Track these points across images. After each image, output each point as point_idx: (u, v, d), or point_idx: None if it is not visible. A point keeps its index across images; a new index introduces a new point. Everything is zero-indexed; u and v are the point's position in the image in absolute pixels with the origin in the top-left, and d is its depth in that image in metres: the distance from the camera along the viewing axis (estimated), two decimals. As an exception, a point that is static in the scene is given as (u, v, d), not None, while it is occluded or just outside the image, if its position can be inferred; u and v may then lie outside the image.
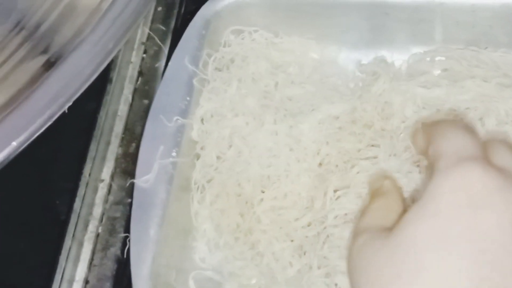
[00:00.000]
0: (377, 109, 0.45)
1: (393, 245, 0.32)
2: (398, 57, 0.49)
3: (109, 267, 0.44)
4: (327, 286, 0.42)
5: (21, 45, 0.46)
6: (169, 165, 0.44)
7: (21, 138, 0.38)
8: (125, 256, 0.44)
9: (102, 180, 0.47)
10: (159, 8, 0.53)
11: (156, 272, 0.41)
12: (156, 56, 0.51)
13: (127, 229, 0.44)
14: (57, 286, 0.44)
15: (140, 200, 0.43)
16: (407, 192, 0.42)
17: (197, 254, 0.45)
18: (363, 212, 0.37)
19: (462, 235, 0.31)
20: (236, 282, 0.44)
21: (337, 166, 0.44)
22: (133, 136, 0.48)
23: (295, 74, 0.49)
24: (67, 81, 0.44)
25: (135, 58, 0.51)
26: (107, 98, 0.49)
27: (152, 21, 0.53)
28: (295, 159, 0.45)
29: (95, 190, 0.47)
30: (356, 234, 0.35)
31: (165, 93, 0.46)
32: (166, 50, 0.51)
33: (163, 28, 0.52)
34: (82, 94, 0.42)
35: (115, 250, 0.45)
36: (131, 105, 0.49)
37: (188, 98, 0.46)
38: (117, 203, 0.46)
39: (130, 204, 0.44)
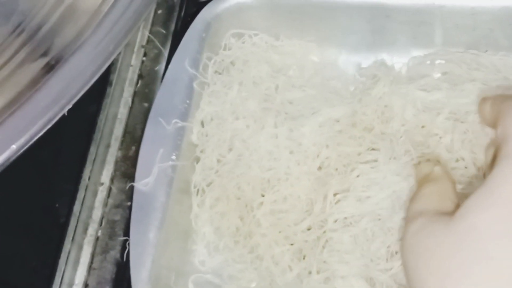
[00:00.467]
0: (377, 112, 0.45)
1: (456, 232, 0.32)
2: (398, 60, 0.49)
3: (109, 270, 0.44)
4: (326, 291, 0.42)
5: (21, 47, 0.46)
6: (168, 168, 0.44)
7: (21, 140, 0.38)
8: (124, 260, 0.44)
9: (102, 183, 0.47)
10: (159, 11, 0.53)
11: (155, 275, 0.41)
12: (156, 59, 0.51)
13: (126, 233, 0.44)
14: (57, 289, 0.43)
15: (140, 203, 0.43)
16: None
17: (197, 257, 0.45)
18: (413, 198, 0.37)
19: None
20: (236, 285, 0.44)
21: (337, 169, 0.44)
22: (133, 139, 0.48)
23: (295, 77, 0.49)
24: (67, 84, 0.44)
25: (135, 61, 0.51)
26: (107, 101, 0.49)
27: (152, 24, 0.52)
28: (295, 162, 0.44)
29: (95, 193, 0.47)
30: (410, 218, 0.35)
31: (165, 96, 0.46)
32: (166, 53, 0.51)
33: (163, 31, 0.52)
34: (82, 97, 0.42)
35: (114, 253, 0.45)
36: (131, 108, 0.49)
37: (188, 101, 0.46)
38: (116, 206, 0.46)
39: (130, 207, 0.44)
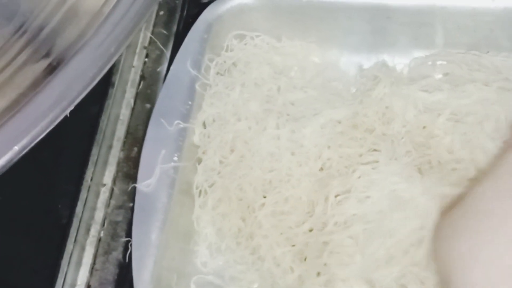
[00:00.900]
0: (378, 113, 0.45)
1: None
2: (400, 61, 0.49)
3: (111, 271, 0.44)
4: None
5: (23, 48, 0.46)
6: (170, 169, 0.44)
7: (23, 142, 0.38)
8: (126, 261, 0.44)
9: (104, 184, 0.47)
10: (161, 12, 0.53)
11: (157, 276, 0.41)
12: (158, 60, 0.51)
13: (128, 234, 0.44)
14: (59, 291, 0.43)
15: (142, 204, 0.43)
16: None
17: (199, 258, 0.45)
18: None
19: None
20: (237, 286, 0.44)
21: (338, 170, 0.44)
22: (135, 140, 0.48)
23: (297, 78, 0.49)
24: (69, 85, 0.44)
25: (137, 62, 0.51)
26: (109, 102, 0.49)
27: (154, 25, 0.52)
28: (296, 163, 0.44)
29: (97, 194, 0.47)
30: None
31: (167, 97, 0.46)
32: (168, 54, 0.51)
33: (165, 32, 0.52)
34: (84, 98, 0.42)
35: (117, 255, 0.45)
36: (133, 109, 0.49)
37: (190, 103, 0.46)
38: (119, 207, 0.46)
39: (132, 208, 0.44)
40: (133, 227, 0.42)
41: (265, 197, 0.44)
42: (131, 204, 0.45)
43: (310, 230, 0.43)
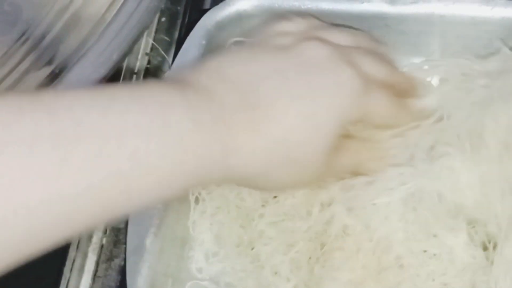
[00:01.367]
0: None
1: None
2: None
3: (113, 278, 0.44)
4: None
5: (26, 55, 0.46)
6: None
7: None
8: (129, 267, 0.43)
9: (107, 191, 0.46)
10: (163, 19, 0.53)
11: (152, 281, 0.41)
12: (160, 66, 0.51)
13: (131, 240, 0.43)
14: (62, 297, 0.43)
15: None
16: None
17: (194, 264, 0.45)
18: None
19: None
20: (233, 293, 0.43)
21: None
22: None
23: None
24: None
25: (139, 68, 0.51)
26: (112, 108, 0.48)
27: (156, 32, 0.52)
28: None
29: (100, 200, 0.46)
30: None
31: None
32: (170, 60, 0.51)
33: (167, 38, 0.52)
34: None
35: (119, 261, 0.45)
36: (135, 115, 0.49)
37: None
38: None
39: (135, 215, 0.43)
40: (128, 232, 0.42)
41: (263, 206, 0.44)
42: (134, 211, 0.45)
43: (309, 240, 0.43)
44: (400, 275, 0.41)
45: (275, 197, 0.44)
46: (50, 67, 0.45)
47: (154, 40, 0.52)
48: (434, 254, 0.41)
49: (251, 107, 0.36)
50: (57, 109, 0.30)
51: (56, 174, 0.29)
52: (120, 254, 0.45)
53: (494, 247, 0.40)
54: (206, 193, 0.45)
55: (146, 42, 0.52)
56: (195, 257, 0.45)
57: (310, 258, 0.42)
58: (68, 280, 0.44)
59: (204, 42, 0.48)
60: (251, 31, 0.45)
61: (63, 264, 0.44)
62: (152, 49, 0.52)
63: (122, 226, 0.46)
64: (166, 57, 0.51)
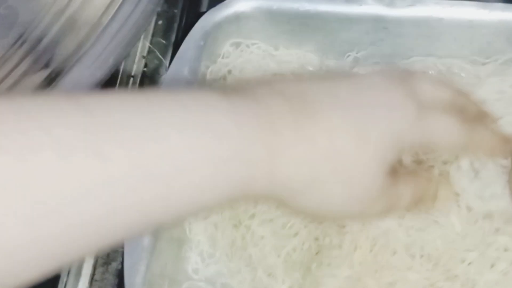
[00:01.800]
0: None
1: None
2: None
3: (111, 281, 0.44)
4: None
5: (22, 59, 0.46)
6: None
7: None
8: (126, 271, 0.43)
9: (104, 194, 0.46)
10: (160, 22, 0.53)
11: (149, 282, 0.41)
12: (157, 69, 0.51)
13: (129, 243, 0.43)
14: (59, 301, 0.43)
15: None
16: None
17: (190, 265, 0.45)
18: None
19: None
20: (229, 294, 0.43)
21: None
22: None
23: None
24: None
25: (136, 71, 0.51)
26: (108, 112, 0.48)
27: (153, 35, 0.52)
28: None
29: (97, 204, 0.46)
30: None
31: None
32: (167, 63, 0.51)
33: (164, 41, 0.52)
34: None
35: (116, 265, 0.44)
36: (132, 119, 0.48)
37: None
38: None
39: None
40: None
41: (255, 206, 0.44)
42: (131, 214, 0.45)
43: (303, 243, 0.43)
44: (397, 273, 0.41)
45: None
46: (46, 71, 0.45)
47: (151, 43, 0.52)
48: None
49: (298, 113, 0.34)
50: (94, 110, 0.28)
51: (92, 175, 0.27)
52: (117, 257, 0.44)
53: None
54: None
55: (143, 45, 0.52)
56: (191, 258, 0.45)
57: (304, 257, 0.42)
58: (65, 284, 0.44)
59: (202, 43, 0.48)
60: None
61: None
62: (149, 52, 0.51)
63: (119, 229, 0.45)
64: (163, 60, 0.51)
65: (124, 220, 0.29)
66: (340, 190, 0.35)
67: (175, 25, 0.52)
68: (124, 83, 0.50)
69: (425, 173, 0.41)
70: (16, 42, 0.46)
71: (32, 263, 0.27)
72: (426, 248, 0.41)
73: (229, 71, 0.49)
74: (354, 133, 0.34)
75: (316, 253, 0.42)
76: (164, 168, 0.29)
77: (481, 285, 0.40)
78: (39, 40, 0.46)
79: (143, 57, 0.51)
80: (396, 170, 0.36)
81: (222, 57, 0.49)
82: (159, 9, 0.49)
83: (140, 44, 0.51)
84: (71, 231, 0.27)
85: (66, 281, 0.44)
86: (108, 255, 0.45)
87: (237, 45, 0.49)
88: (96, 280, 0.44)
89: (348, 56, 0.49)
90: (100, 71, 0.45)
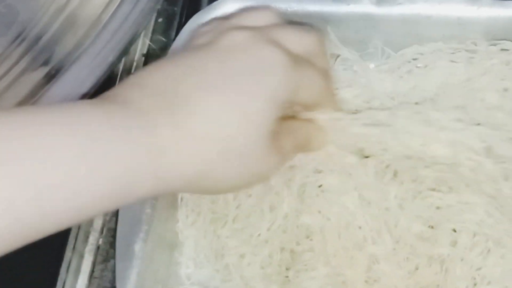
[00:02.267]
0: None
1: None
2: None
3: (110, 279, 0.44)
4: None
5: (22, 56, 0.46)
6: None
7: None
8: (125, 269, 0.43)
9: (103, 192, 0.46)
10: (160, 20, 0.53)
11: (141, 287, 0.41)
12: (156, 67, 0.50)
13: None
14: (58, 298, 0.43)
15: (126, 215, 0.42)
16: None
17: (183, 270, 0.45)
18: None
19: None
20: (222, 298, 0.44)
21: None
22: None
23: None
24: (68, 93, 0.44)
25: (136, 69, 0.50)
26: (108, 109, 0.48)
27: (153, 33, 0.52)
28: None
29: (96, 202, 0.46)
30: None
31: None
32: (166, 61, 0.50)
33: (164, 39, 0.52)
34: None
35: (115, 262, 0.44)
36: (131, 116, 0.48)
37: None
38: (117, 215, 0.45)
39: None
40: (117, 238, 0.42)
41: (237, 207, 0.44)
42: (130, 212, 0.45)
43: (282, 250, 0.42)
44: (371, 254, 0.41)
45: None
46: (46, 68, 0.45)
47: (151, 41, 0.52)
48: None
49: (170, 107, 0.34)
50: None
51: None
52: (117, 255, 0.44)
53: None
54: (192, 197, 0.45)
55: (143, 43, 0.52)
56: (183, 263, 0.45)
57: (279, 268, 0.42)
58: (64, 281, 0.44)
59: (190, 45, 0.47)
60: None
61: (59, 265, 0.44)
62: (148, 50, 0.52)
63: (119, 227, 0.45)
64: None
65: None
66: (237, 167, 0.36)
67: (175, 23, 0.52)
68: (124, 81, 0.50)
69: (298, 121, 0.41)
70: (15, 40, 0.46)
71: None
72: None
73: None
74: (229, 110, 0.35)
75: (290, 262, 0.42)
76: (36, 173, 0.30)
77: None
78: (39, 38, 0.46)
79: (143, 55, 0.51)
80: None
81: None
82: (159, 6, 0.49)
83: (140, 42, 0.51)
84: None
85: (65, 279, 0.44)
86: (107, 252, 0.44)
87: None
88: (95, 277, 0.44)
89: (338, 56, 0.48)
90: (100, 69, 0.45)
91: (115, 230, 0.45)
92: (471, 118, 0.42)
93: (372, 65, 0.48)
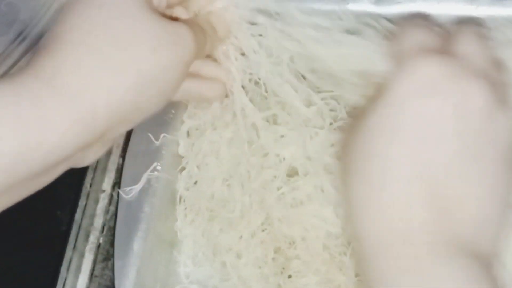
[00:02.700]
0: None
1: (356, 132, 0.34)
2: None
3: (110, 277, 0.44)
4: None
5: (23, 55, 0.46)
6: (154, 178, 0.43)
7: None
8: (125, 267, 0.43)
9: (103, 191, 0.47)
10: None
11: (140, 286, 0.41)
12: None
13: (128, 240, 0.43)
14: (59, 297, 0.43)
15: (125, 214, 0.43)
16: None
17: (182, 268, 0.45)
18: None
19: (407, 123, 0.32)
20: (220, 296, 0.44)
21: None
22: (133, 146, 0.47)
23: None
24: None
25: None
26: (108, 109, 0.48)
27: (153, 32, 0.51)
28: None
29: (96, 200, 0.46)
30: None
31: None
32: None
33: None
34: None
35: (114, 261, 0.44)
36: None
37: (173, 111, 0.46)
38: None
39: (131, 215, 0.43)
40: (116, 236, 0.42)
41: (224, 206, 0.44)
42: (130, 210, 0.45)
43: (276, 250, 0.42)
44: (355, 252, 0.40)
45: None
46: (46, 67, 0.45)
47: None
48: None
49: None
50: None
51: None
52: (117, 253, 0.44)
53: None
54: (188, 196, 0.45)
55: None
56: (182, 261, 0.45)
57: (276, 267, 0.42)
58: (65, 280, 0.44)
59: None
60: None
61: (59, 264, 0.44)
62: (149, 49, 0.51)
63: (119, 226, 0.45)
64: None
65: None
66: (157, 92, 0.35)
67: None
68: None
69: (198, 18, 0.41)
70: (16, 39, 0.46)
71: None
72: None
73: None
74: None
75: (286, 264, 0.43)
76: None
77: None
78: (40, 36, 0.46)
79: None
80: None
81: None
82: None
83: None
84: None
85: (66, 277, 0.44)
86: (107, 251, 0.44)
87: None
88: (95, 276, 0.44)
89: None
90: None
91: (115, 229, 0.45)
92: None
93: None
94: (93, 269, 0.44)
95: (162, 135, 0.45)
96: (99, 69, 0.34)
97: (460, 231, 0.31)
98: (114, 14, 0.35)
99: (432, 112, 0.32)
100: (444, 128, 0.32)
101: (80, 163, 0.38)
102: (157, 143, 0.44)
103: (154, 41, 0.35)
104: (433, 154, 0.32)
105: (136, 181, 0.43)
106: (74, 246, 0.44)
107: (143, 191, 0.43)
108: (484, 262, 0.31)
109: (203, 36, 0.39)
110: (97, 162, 0.47)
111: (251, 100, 0.43)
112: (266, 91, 0.43)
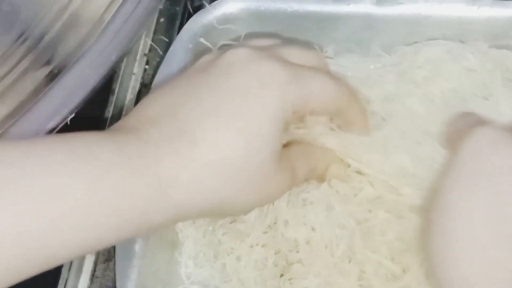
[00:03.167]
0: None
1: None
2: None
3: (112, 278, 0.44)
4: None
5: (24, 56, 0.46)
6: None
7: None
8: (127, 268, 0.42)
9: (105, 191, 0.46)
10: (162, 19, 0.53)
11: (141, 286, 0.41)
12: (158, 67, 0.50)
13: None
14: (60, 298, 0.44)
15: None
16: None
17: (183, 269, 0.45)
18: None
19: (479, 200, 0.33)
20: (222, 297, 0.44)
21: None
22: (135, 146, 0.47)
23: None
24: (70, 93, 0.44)
25: (138, 69, 0.51)
26: (110, 109, 0.49)
27: (155, 32, 0.52)
28: None
29: (98, 200, 0.45)
30: None
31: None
32: (168, 61, 0.50)
33: (166, 39, 0.52)
34: (84, 105, 0.42)
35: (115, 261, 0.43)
36: (133, 116, 0.48)
37: None
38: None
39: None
40: None
41: None
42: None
43: (276, 252, 0.42)
44: (359, 262, 0.41)
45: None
46: (48, 67, 0.45)
47: (152, 40, 0.52)
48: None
49: (174, 137, 0.34)
50: None
51: None
52: (118, 254, 0.44)
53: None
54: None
55: (145, 43, 0.52)
56: (184, 262, 0.45)
57: (275, 270, 0.42)
58: (66, 281, 0.44)
59: (190, 46, 0.47)
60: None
61: (61, 264, 0.43)
62: (150, 49, 0.52)
63: (121, 226, 0.45)
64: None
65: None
66: (243, 191, 0.36)
67: (177, 23, 0.52)
68: (126, 80, 0.50)
69: (313, 143, 0.41)
70: (18, 39, 0.46)
71: None
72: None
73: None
74: (228, 133, 0.34)
75: (286, 267, 0.42)
76: (51, 208, 0.30)
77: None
78: (41, 37, 0.46)
79: (145, 54, 0.51)
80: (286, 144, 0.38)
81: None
82: (161, 6, 0.49)
83: (141, 42, 0.51)
84: None
85: (67, 278, 0.44)
86: (109, 251, 0.44)
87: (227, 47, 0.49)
88: (97, 277, 0.44)
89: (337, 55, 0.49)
90: (102, 68, 0.45)
91: (116, 229, 0.45)
92: None
93: (371, 66, 0.48)
94: (94, 270, 0.44)
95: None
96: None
97: None
98: (252, 153, 0.35)
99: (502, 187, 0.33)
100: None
101: None
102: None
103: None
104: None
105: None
106: (75, 246, 0.44)
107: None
108: None
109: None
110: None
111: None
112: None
